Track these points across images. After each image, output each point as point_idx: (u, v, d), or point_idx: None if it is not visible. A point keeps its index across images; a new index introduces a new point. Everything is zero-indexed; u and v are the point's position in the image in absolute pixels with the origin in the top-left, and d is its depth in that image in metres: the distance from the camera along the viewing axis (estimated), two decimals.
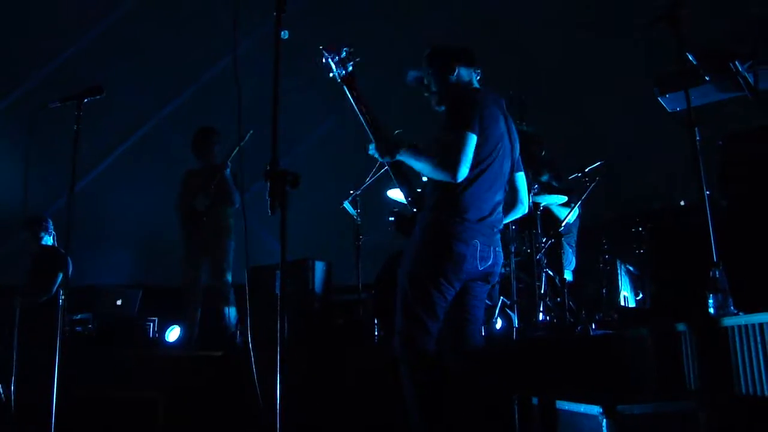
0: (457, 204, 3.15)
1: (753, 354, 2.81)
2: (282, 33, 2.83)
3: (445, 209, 3.16)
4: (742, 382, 2.83)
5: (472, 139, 3.12)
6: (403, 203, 5.79)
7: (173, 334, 7.21)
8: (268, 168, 2.68)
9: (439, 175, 3.14)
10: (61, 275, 6.29)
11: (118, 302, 7.14)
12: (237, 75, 2.83)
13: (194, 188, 6.35)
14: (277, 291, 2.59)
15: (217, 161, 6.40)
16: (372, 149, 3.31)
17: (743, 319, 2.90)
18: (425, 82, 3.52)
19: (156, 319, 7.19)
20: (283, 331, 2.44)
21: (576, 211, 5.96)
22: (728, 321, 3.00)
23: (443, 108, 3.39)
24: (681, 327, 3.21)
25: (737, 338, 2.92)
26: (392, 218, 3.52)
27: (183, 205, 6.44)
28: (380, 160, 3.28)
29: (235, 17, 2.93)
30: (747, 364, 2.82)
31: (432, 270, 3.11)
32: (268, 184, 2.66)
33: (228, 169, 6.25)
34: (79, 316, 6.61)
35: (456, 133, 3.12)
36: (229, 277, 6.14)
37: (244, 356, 4.71)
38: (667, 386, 3.23)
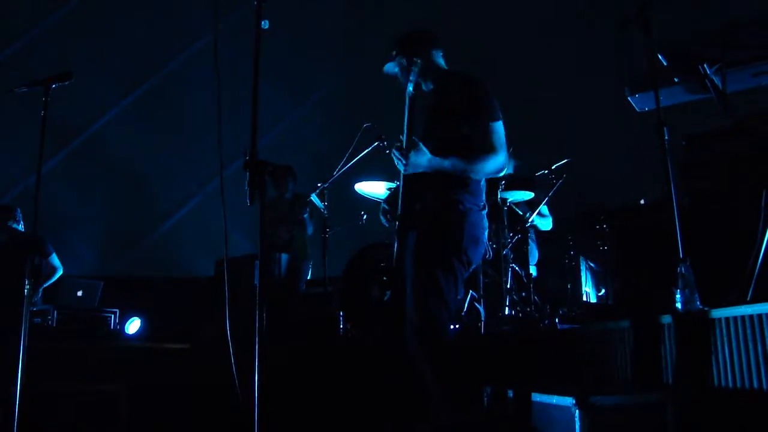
0: (476, 194, 3.20)
1: (726, 347, 2.89)
2: (263, 23, 2.81)
3: (466, 198, 3.16)
4: (714, 375, 2.91)
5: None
6: (371, 197, 5.83)
7: (133, 326, 7.13)
8: (247, 158, 2.66)
9: (490, 173, 3.18)
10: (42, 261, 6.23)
11: (79, 293, 7.01)
12: (218, 72, 2.80)
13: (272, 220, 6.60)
14: (256, 282, 2.57)
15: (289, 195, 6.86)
16: (396, 154, 3.12)
17: (717, 313, 2.98)
18: (403, 66, 3.40)
19: (117, 310, 7.09)
20: (262, 321, 2.44)
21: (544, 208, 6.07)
22: (717, 313, 3.06)
23: (455, 94, 3.25)
24: (660, 320, 3.26)
25: (712, 331, 2.99)
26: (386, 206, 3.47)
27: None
28: (404, 167, 3.10)
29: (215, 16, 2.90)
30: (720, 358, 2.90)
31: (469, 254, 3.12)
32: (247, 174, 2.65)
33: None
34: (38, 308, 6.49)
35: (499, 127, 3.17)
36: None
37: (213, 348, 4.69)
38: (637, 379, 3.30)
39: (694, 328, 2.99)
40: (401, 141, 3.10)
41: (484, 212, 3.23)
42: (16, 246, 6.21)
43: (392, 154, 3.14)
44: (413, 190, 3.21)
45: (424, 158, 3.06)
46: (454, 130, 3.16)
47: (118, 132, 9.41)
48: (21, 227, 6.50)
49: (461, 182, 3.16)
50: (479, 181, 3.23)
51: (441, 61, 3.46)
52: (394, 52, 3.46)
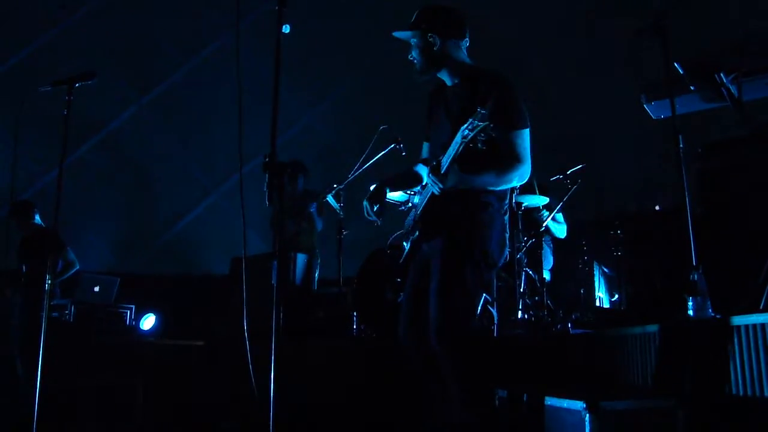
0: (503, 197, 3.18)
1: (737, 355, 2.90)
2: (284, 27, 2.86)
3: (494, 201, 3.13)
4: (726, 382, 2.93)
5: None
6: (387, 199, 5.86)
7: (148, 322, 7.21)
8: (266, 160, 2.71)
9: (515, 183, 3.16)
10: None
11: (96, 289, 7.11)
12: (240, 74, 2.85)
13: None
14: (273, 282, 2.61)
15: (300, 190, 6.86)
16: (432, 177, 3.02)
17: (728, 321, 2.99)
18: (415, 42, 3.28)
19: (133, 306, 7.18)
20: (279, 320, 2.48)
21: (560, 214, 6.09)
22: (738, 320, 3.06)
23: (491, 96, 3.05)
24: (672, 327, 3.27)
25: (722, 339, 3.01)
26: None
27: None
28: (438, 191, 3.02)
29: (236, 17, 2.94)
30: (731, 365, 2.91)
31: (495, 256, 3.11)
32: (267, 175, 2.70)
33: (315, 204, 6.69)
34: (56, 302, 6.59)
35: (526, 135, 3.09)
36: None
37: (228, 346, 4.75)
38: (649, 384, 3.32)
39: (711, 335, 3.01)
40: (438, 162, 3.01)
41: (507, 216, 3.21)
42: (42, 241, 6.32)
43: (428, 178, 3.07)
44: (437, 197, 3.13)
45: (456, 180, 3.00)
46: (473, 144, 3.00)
47: (136, 130, 9.50)
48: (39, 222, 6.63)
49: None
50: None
51: (461, 53, 3.29)
52: (415, 22, 3.27)
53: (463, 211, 3.08)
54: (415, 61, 3.30)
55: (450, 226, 3.08)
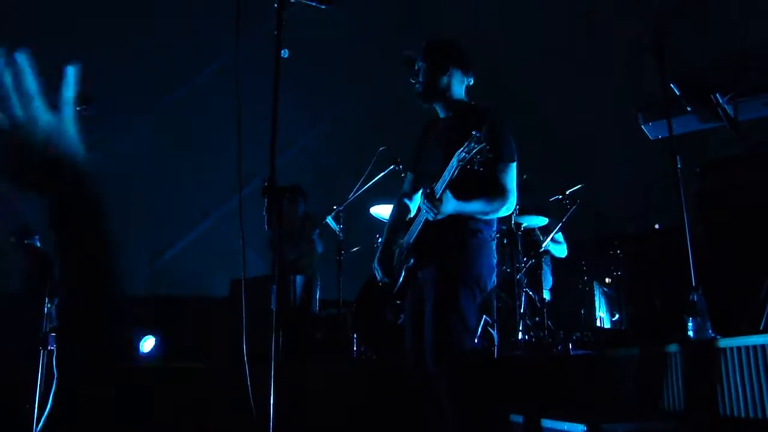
0: (492, 224, 3.30)
1: (738, 376, 2.89)
2: (282, 52, 2.88)
3: (484, 228, 3.25)
4: (726, 404, 2.92)
5: None
6: (387, 220, 5.87)
7: (147, 344, 7.17)
8: (265, 184, 2.72)
9: (502, 214, 3.25)
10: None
11: None
12: (239, 96, 2.86)
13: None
14: (273, 306, 2.61)
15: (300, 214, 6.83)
16: (427, 203, 3.08)
17: (729, 342, 2.98)
18: (416, 68, 3.43)
19: (132, 328, 7.14)
20: (278, 345, 2.48)
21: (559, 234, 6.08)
22: (725, 342, 3.07)
23: (482, 129, 3.09)
24: (672, 348, 3.28)
25: (723, 360, 3.00)
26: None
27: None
28: (432, 217, 3.08)
29: (236, 39, 2.95)
30: (732, 386, 2.90)
31: (485, 280, 3.21)
32: (266, 199, 2.71)
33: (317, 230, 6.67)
34: (54, 324, 6.56)
35: (514, 168, 3.24)
36: None
37: (227, 368, 4.73)
38: (650, 406, 3.30)
39: (702, 356, 3.00)
40: (431, 189, 3.09)
41: (495, 242, 3.32)
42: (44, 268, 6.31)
43: (422, 203, 3.12)
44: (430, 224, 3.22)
45: (450, 206, 3.06)
46: (467, 167, 3.09)
47: (135, 150, 9.52)
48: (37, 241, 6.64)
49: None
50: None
51: (462, 90, 3.43)
52: (420, 54, 3.43)
53: (455, 239, 3.18)
54: (417, 85, 3.40)
55: (442, 254, 3.18)
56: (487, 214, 3.20)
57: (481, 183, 3.14)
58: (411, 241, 3.35)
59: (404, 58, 3.51)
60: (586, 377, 3.98)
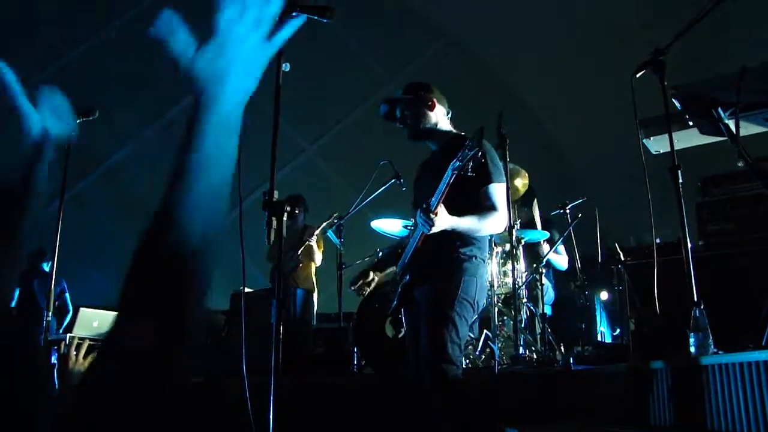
0: (484, 248, 3.47)
1: (732, 393, 2.88)
2: (284, 66, 2.88)
3: (477, 252, 3.41)
4: (720, 420, 2.90)
5: None
6: (388, 234, 5.88)
7: None
8: (266, 198, 2.72)
9: (493, 231, 3.44)
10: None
11: (95, 324, 7.07)
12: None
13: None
14: (272, 320, 2.61)
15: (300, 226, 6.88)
16: (423, 217, 3.16)
17: (723, 359, 2.97)
18: (402, 113, 3.64)
19: None
20: (278, 360, 2.47)
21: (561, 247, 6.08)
22: (707, 360, 3.07)
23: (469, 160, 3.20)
24: (658, 365, 3.28)
25: (715, 377, 2.99)
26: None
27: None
28: (428, 231, 3.15)
29: None
30: (724, 403, 2.88)
31: (479, 301, 3.38)
32: (266, 214, 2.71)
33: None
34: (53, 337, 6.55)
35: (503, 186, 3.43)
36: None
37: (227, 382, 4.71)
38: (651, 421, 3.29)
39: (700, 372, 3.00)
40: (429, 205, 3.15)
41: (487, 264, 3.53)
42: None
43: (418, 218, 3.20)
44: (426, 243, 3.36)
45: (445, 222, 3.16)
46: (459, 189, 3.21)
47: (137, 163, 9.53)
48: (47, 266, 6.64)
49: (472, 238, 3.39)
50: (486, 236, 3.51)
51: (447, 122, 3.65)
52: (401, 93, 3.66)
53: (451, 264, 3.34)
54: (408, 121, 3.61)
55: (438, 277, 3.33)
56: (479, 230, 3.33)
57: (473, 202, 3.32)
58: (406, 259, 3.48)
59: (385, 104, 3.74)
60: (587, 392, 3.96)
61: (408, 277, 3.47)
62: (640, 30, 7.59)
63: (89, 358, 3.09)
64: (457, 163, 3.03)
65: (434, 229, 3.12)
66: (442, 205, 3.12)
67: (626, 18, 8.14)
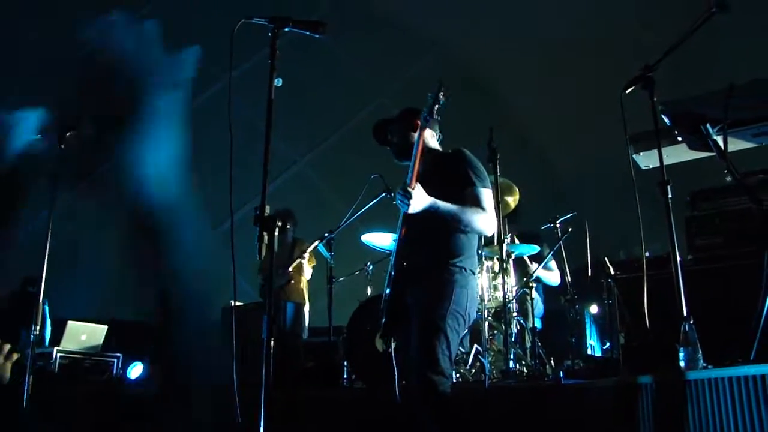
0: (474, 263, 3.51)
1: (721, 407, 2.88)
2: (276, 81, 2.89)
3: (467, 265, 3.46)
4: None
5: None
6: (378, 248, 5.88)
7: (136, 370, 7.10)
8: (257, 213, 2.73)
9: (480, 228, 3.43)
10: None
11: (83, 337, 7.02)
12: (231, 123, 2.87)
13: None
14: (263, 336, 2.61)
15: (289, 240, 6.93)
16: (400, 197, 3.29)
17: (712, 373, 2.98)
18: (391, 136, 3.80)
19: (120, 355, 7.09)
20: (269, 374, 2.47)
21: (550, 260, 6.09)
22: (696, 374, 3.08)
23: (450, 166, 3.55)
24: (647, 379, 3.30)
25: (705, 391, 3.00)
26: None
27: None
28: (407, 208, 3.27)
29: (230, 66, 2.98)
30: (713, 417, 2.89)
31: (465, 316, 3.40)
32: (257, 229, 2.71)
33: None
34: (40, 350, 6.50)
35: (489, 191, 3.48)
36: None
37: (217, 396, 4.68)
38: None
39: (677, 389, 3.02)
40: (405, 183, 3.29)
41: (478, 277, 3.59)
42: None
43: (396, 196, 3.32)
44: (416, 252, 3.47)
45: (424, 199, 3.27)
46: (447, 195, 3.38)
47: (128, 176, 9.48)
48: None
49: (462, 249, 3.45)
50: (474, 247, 3.54)
51: (435, 142, 3.75)
52: (393, 123, 3.80)
53: (440, 274, 3.40)
54: (395, 144, 3.75)
55: (429, 288, 3.39)
56: (462, 222, 3.37)
57: (460, 199, 3.39)
58: (393, 261, 3.55)
59: (375, 128, 3.89)
60: (577, 406, 3.96)
61: (399, 284, 3.53)
62: (640, 30, 7.67)
63: (9, 363, 3.11)
64: (425, 113, 3.32)
65: (413, 206, 3.23)
66: (418, 184, 3.25)
67: (626, 18, 8.23)
